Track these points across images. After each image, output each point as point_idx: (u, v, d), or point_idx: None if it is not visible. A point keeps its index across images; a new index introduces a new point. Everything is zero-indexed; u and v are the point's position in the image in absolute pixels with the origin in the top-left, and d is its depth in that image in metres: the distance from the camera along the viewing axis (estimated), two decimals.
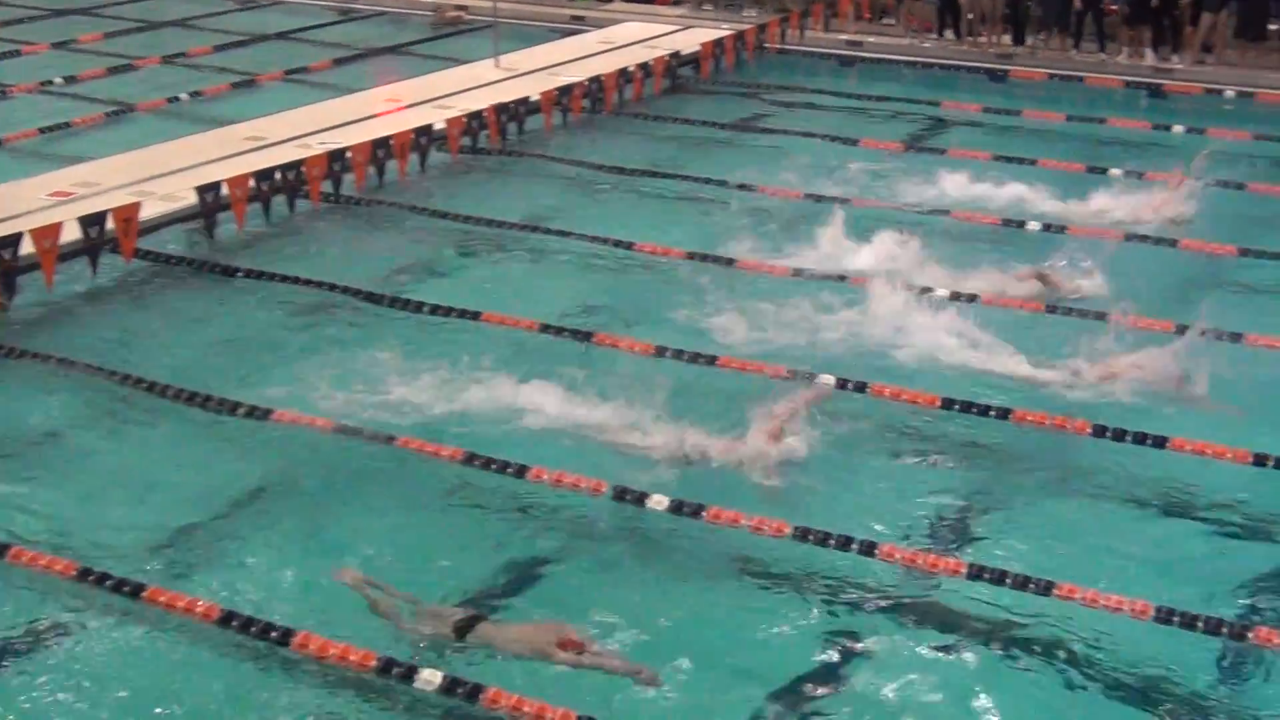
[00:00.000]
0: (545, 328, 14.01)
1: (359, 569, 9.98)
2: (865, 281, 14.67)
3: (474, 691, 8.79)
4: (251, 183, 16.85)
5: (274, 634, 9.40)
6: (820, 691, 8.93)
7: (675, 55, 23.67)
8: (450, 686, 8.85)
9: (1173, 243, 16.25)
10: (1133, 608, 9.63)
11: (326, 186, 17.61)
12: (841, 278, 15.09)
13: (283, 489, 11.36)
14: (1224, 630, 9.46)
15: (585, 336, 13.88)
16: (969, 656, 9.29)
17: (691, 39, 24.75)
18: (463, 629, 9.29)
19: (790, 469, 11.32)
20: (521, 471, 11.29)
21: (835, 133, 20.64)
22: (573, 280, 15.58)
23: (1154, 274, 15.29)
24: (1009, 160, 19.20)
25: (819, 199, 17.75)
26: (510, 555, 10.42)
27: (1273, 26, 23.41)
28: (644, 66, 22.79)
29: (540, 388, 12.51)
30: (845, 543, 10.36)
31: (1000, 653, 9.34)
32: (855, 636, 9.42)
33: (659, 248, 16.15)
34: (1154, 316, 13.88)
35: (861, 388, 12.71)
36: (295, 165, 17.39)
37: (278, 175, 17.17)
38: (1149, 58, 23.78)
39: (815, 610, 9.73)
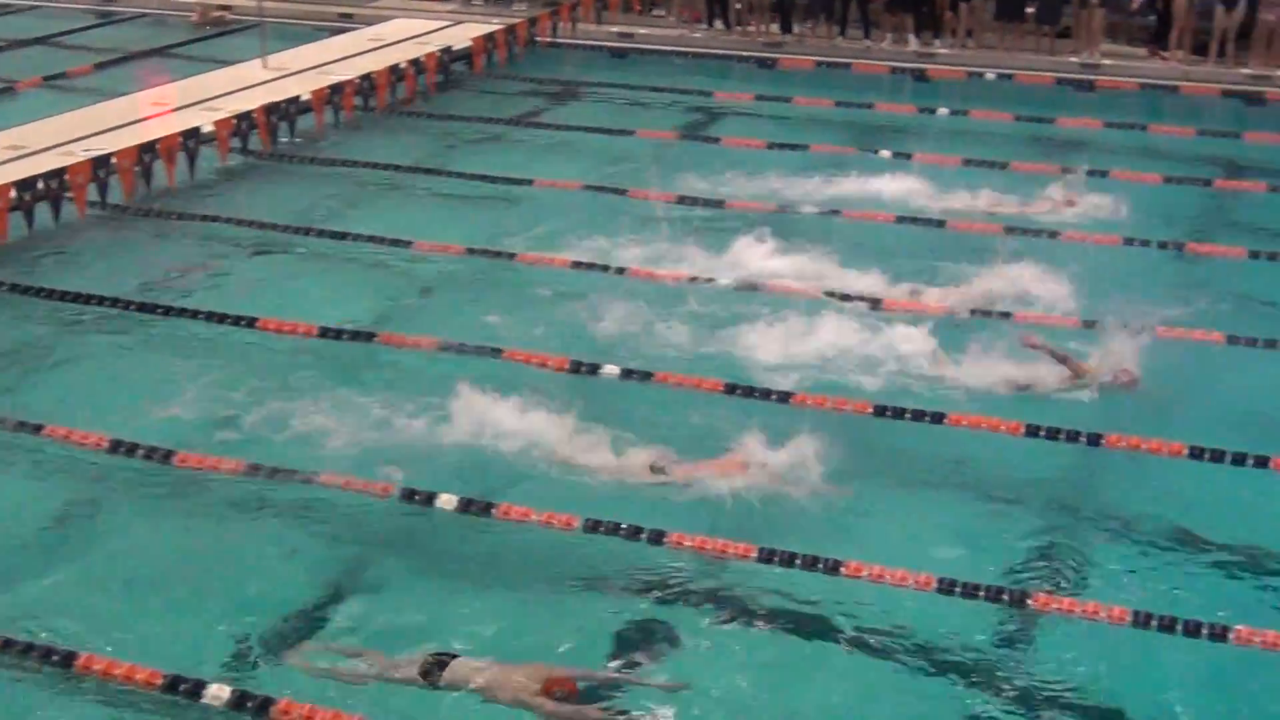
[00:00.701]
0: (325, 331, 13.80)
1: (304, 653, 9.32)
2: (646, 273, 14.77)
3: (264, 705, 8.62)
4: (13, 193, 16.29)
5: (55, 657, 9.11)
6: (630, 680, 8.93)
7: (447, 51, 23.50)
8: (240, 701, 8.67)
9: (940, 223, 16.65)
10: (917, 580, 9.86)
11: (93, 194, 17.10)
12: (621, 270, 15.16)
13: (56, 506, 10.99)
14: (1004, 598, 9.72)
15: (368, 337, 13.71)
16: (766, 638, 9.38)
17: (462, 34, 24.61)
18: (429, 671, 8.79)
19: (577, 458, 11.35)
20: (309, 479, 11.09)
21: (611, 125, 20.71)
22: (351, 282, 15.37)
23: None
24: (782, 147, 19.47)
25: (599, 190, 17.80)
26: (304, 565, 10.23)
27: (1029, 9, 24.08)
28: (416, 63, 22.59)
29: (324, 392, 12.32)
30: (635, 532, 10.40)
31: (795, 632, 9.45)
32: (654, 625, 9.43)
33: (439, 245, 16.02)
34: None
35: (646, 376, 12.78)
36: (58, 174, 16.84)
37: (40, 184, 16.61)
38: (912, 43, 24.35)
39: (613, 602, 9.73)
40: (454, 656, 8.89)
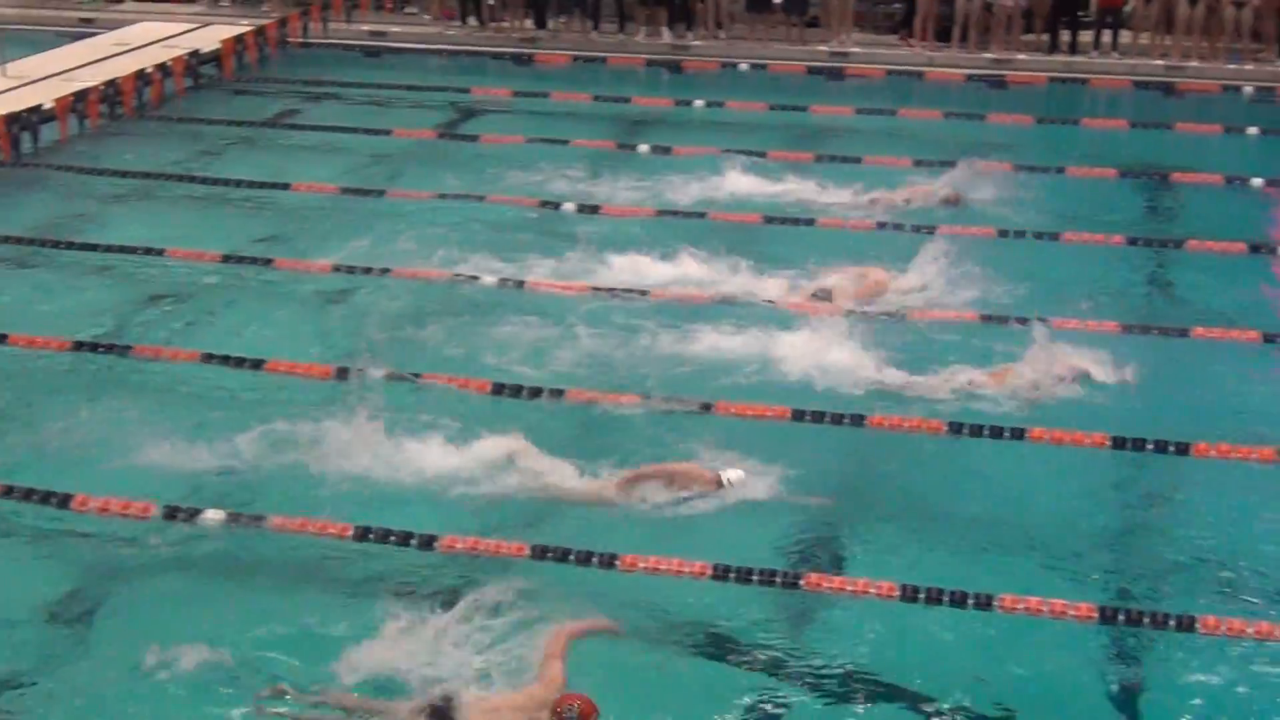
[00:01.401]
0: (79, 345, 13.36)
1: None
2: (411, 274, 14.70)
3: None
4: None
5: None
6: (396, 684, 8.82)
7: (195, 54, 22.93)
8: None
9: (701, 214, 16.79)
10: (693, 569, 9.94)
11: None
12: (385, 271, 14.99)
13: None
14: (777, 580, 9.87)
15: (123, 350, 13.31)
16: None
17: (211, 36, 24.03)
18: (439, 714, 8.22)
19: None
20: (65, 501, 10.71)
21: (367, 125, 20.46)
22: (102, 293, 14.89)
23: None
24: (543, 142, 19.47)
25: (358, 192, 17.58)
26: (64, 590, 9.86)
27: (778, 0, 24.49)
28: (163, 67, 21.99)
29: (78, 408, 11.94)
30: (405, 538, 10.28)
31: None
32: (426, 629, 9.30)
33: (193, 253, 15.62)
34: None
35: (416, 377, 12.66)
36: None
37: None
38: (666, 36, 24.56)
39: (382, 607, 9.58)
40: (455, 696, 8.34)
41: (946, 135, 19.82)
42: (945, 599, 9.58)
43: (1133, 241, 15.81)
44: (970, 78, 22.93)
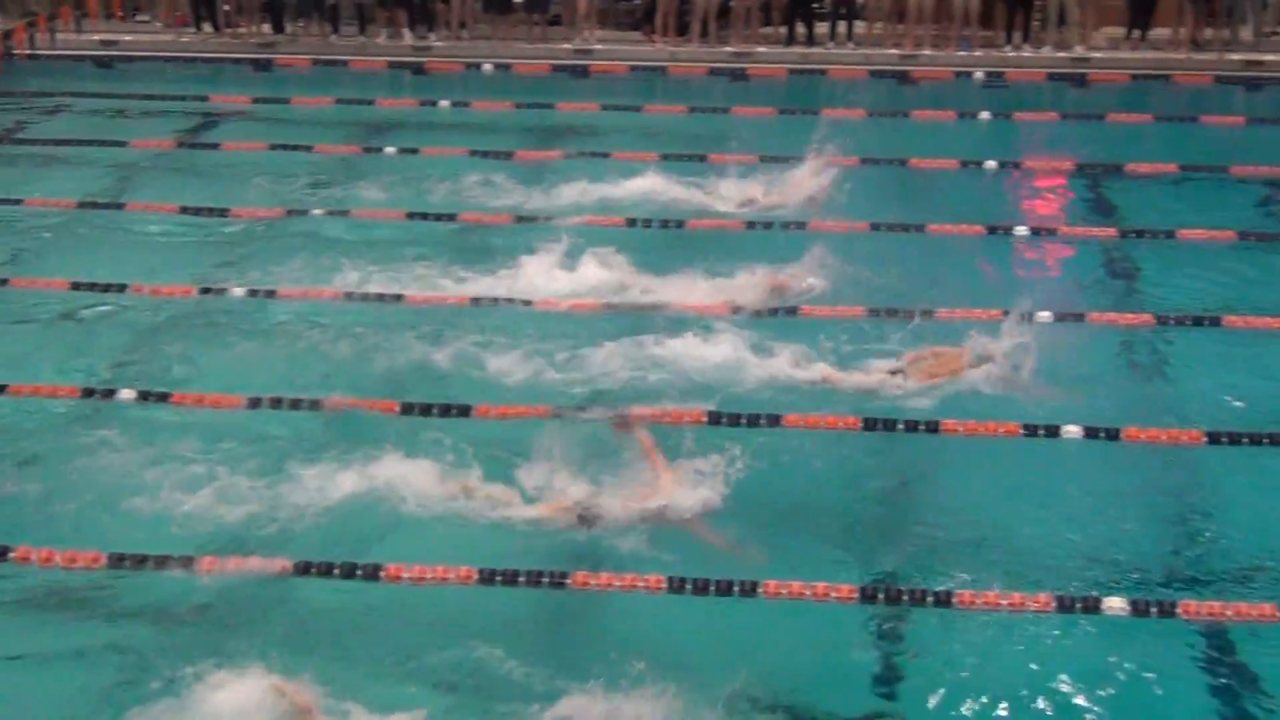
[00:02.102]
0: None
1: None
2: (151, 290, 14.33)
3: None
4: None
5: None
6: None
7: None
8: None
9: (452, 216, 16.69)
10: (458, 574, 9.87)
11: None
12: (123, 288, 14.53)
13: None
14: (544, 580, 9.86)
15: None
16: (299, 653, 9.15)
17: None
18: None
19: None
20: None
21: (102, 137, 19.83)
22: None
23: None
24: (286, 148, 19.11)
25: (95, 206, 17.04)
26: None
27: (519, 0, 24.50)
28: None
29: None
30: (162, 562, 9.99)
31: (356, 643, 9.30)
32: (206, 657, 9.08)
33: None
34: None
35: (163, 398, 12.31)
36: None
37: None
38: (407, 37, 24.35)
39: (133, 636, 9.31)
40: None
41: (692, 130, 20.05)
42: (712, 589, 9.70)
43: (875, 227, 16.19)
44: (712, 71, 23.24)
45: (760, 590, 9.67)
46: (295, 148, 19.16)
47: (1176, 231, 15.84)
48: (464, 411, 12.05)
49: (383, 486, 10.71)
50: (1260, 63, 22.83)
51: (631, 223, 16.33)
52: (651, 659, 8.83)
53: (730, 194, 16.91)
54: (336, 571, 9.91)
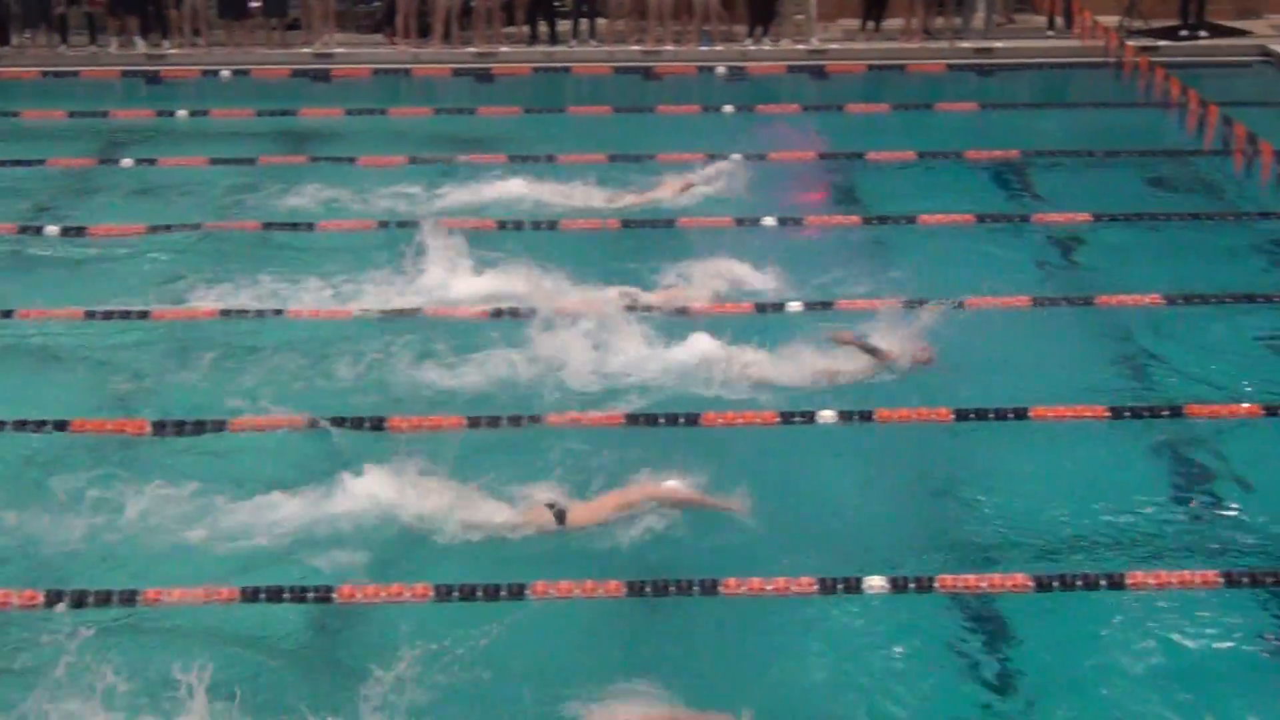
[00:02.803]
0: None
1: None
2: None
3: None
4: None
5: None
6: None
7: None
8: None
9: (197, 225, 16.27)
10: (219, 595, 9.66)
11: None
12: None
13: None
14: (310, 596, 9.70)
15: None
16: None
17: None
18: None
19: None
20: None
21: None
22: None
23: None
24: (16, 164, 18.43)
25: None
26: None
27: (255, 4, 23.98)
28: None
29: None
30: None
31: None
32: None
33: None
34: None
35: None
36: None
37: None
38: (140, 45, 23.68)
39: None
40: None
41: (439, 131, 19.92)
42: (479, 594, 9.68)
43: (627, 224, 16.31)
44: (456, 72, 23.11)
45: (528, 592, 9.68)
46: (26, 163, 18.47)
47: (917, 216, 16.29)
48: (218, 427, 11.81)
49: None
50: (990, 50, 23.63)
51: (384, 225, 16.15)
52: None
53: (486, 194, 16.91)
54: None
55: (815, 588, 9.77)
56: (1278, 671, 9.30)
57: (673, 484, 10.63)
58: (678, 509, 10.55)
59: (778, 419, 11.93)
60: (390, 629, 9.32)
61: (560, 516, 10.48)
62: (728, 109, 20.95)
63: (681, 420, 11.90)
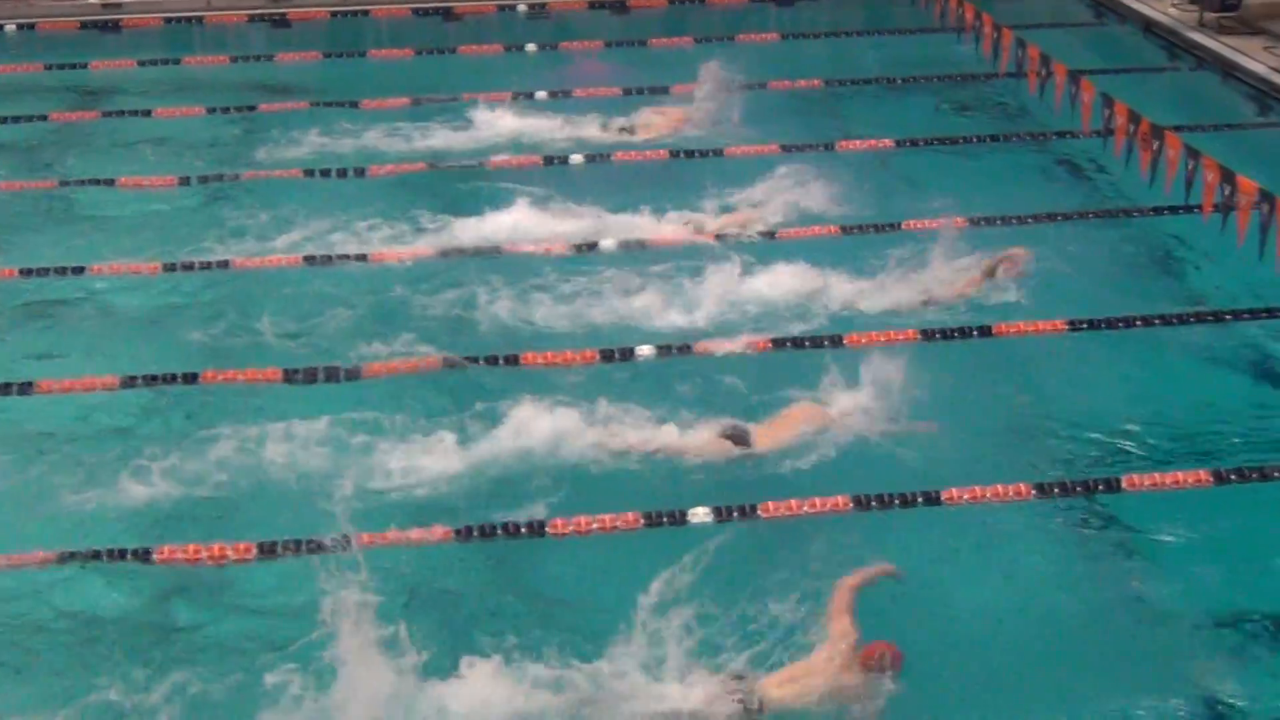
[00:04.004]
0: None
1: None
2: None
3: None
4: None
5: None
6: None
7: None
8: None
9: None
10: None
11: None
12: None
13: None
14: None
15: None
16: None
17: None
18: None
19: None
20: None
21: None
22: None
23: None
24: None
25: None
26: None
27: None
28: None
29: None
30: None
31: None
32: None
33: None
34: None
35: None
36: None
37: None
38: None
39: None
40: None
41: (236, 79, 19.51)
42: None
43: (433, 167, 16.23)
44: (252, 18, 22.57)
45: None
46: None
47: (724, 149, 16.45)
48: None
49: None
50: None
51: (185, 181, 15.81)
52: None
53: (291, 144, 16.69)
54: None
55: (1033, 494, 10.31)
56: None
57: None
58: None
59: (918, 337, 12.39)
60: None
61: (742, 438, 10.67)
62: (530, 48, 20.82)
63: (826, 343, 12.30)
